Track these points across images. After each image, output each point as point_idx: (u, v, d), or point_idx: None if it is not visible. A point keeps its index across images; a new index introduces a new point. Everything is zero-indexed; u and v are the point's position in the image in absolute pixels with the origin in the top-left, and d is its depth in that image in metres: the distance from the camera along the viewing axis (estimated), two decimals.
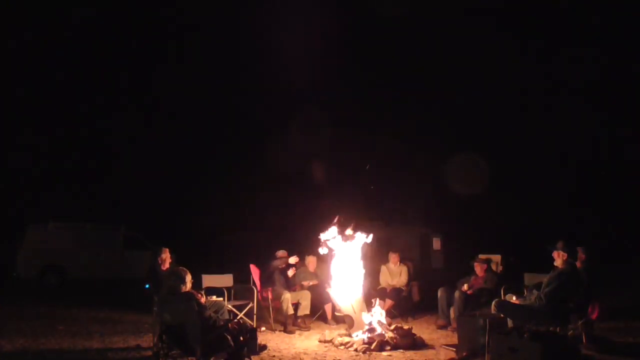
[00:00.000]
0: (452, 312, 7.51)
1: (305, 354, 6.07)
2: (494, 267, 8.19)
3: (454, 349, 6.01)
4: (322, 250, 7.34)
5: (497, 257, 8.50)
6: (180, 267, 5.33)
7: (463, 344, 5.85)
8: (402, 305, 8.55)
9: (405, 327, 6.70)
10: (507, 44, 22.14)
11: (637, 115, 21.73)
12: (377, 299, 7.19)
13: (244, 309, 7.41)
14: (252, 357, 5.22)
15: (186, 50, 25.34)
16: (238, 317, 6.95)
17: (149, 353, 5.93)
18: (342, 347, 6.34)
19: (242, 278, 8.40)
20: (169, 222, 19.71)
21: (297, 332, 7.45)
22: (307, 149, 20.55)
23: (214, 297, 6.70)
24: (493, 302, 5.82)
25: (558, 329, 5.46)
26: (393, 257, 8.89)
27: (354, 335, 6.58)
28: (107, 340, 6.68)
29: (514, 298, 6.12)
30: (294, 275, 8.27)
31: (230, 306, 7.06)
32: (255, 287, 7.77)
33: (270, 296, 7.70)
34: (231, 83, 26.79)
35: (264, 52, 26.46)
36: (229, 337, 4.86)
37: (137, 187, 21.67)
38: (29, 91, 23.84)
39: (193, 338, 4.80)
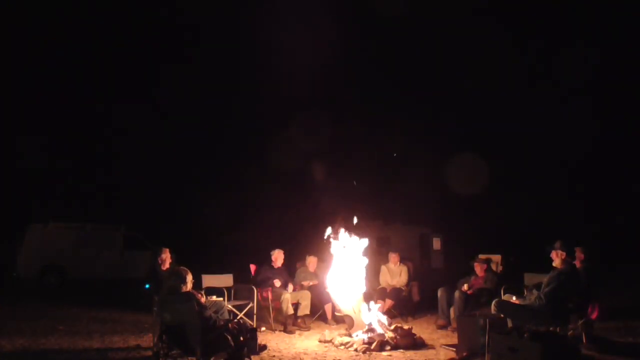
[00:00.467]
0: (452, 312, 7.52)
1: (305, 354, 6.07)
2: (494, 267, 8.19)
3: (454, 349, 6.01)
4: (333, 248, 7.27)
5: (497, 257, 8.51)
6: (182, 267, 5.32)
7: (463, 344, 5.85)
8: (402, 305, 8.56)
9: (405, 327, 6.70)
10: (509, 42, 22.16)
11: (637, 115, 21.75)
12: (375, 299, 7.21)
13: (244, 309, 7.41)
14: (252, 357, 5.22)
15: (186, 50, 25.35)
16: (238, 317, 6.95)
17: (149, 353, 5.93)
18: (342, 347, 6.34)
19: (242, 278, 8.40)
20: (169, 222, 19.71)
21: (297, 332, 7.45)
22: (307, 148, 20.55)
23: (214, 297, 6.69)
24: (493, 302, 5.82)
25: (558, 329, 5.46)
26: (393, 257, 8.90)
27: (354, 335, 6.58)
28: (107, 340, 6.68)
29: (514, 298, 6.12)
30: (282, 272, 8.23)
31: (230, 306, 7.06)
32: (255, 286, 7.77)
33: (270, 296, 7.70)
34: (231, 83, 26.82)
35: (264, 51, 26.47)
36: (229, 337, 4.86)
37: (137, 187, 21.69)
38: (29, 91, 23.86)
39: (193, 338, 4.80)
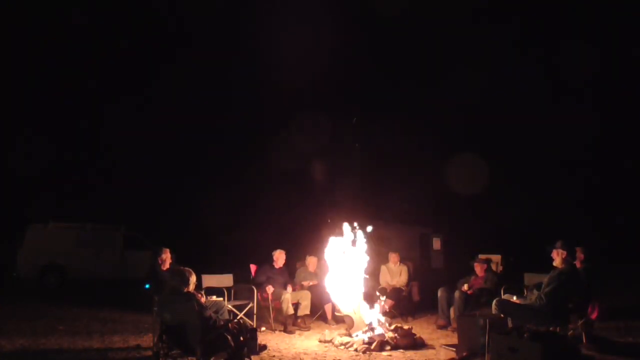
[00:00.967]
0: (452, 312, 7.52)
1: (305, 354, 6.07)
2: (494, 267, 8.20)
3: (454, 349, 6.01)
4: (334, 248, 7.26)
5: (497, 257, 8.52)
6: (186, 268, 5.29)
7: (463, 344, 5.85)
8: (402, 305, 8.56)
9: (405, 327, 6.70)
10: (509, 41, 22.16)
11: (638, 115, 21.75)
12: (380, 298, 7.21)
13: (244, 309, 7.41)
14: (252, 357, 5.22)
15: (186, 50, 25.34)
16: (238, 317, 6.95)
17: (149, 353, 5.93)
18: (342, 347, 6.34)
19: (242, 278, 8.40)
20: (169, 222, 19.70)
21: (297, 332, 7.45)
22: (307, 148, 20.55)
23: (214, 297, 6.70)
24: (493, 302, 5.82)
25: (558, 329, 5.46)
26: (393, 257, 8.90)
27: (354, 335, 6.58)
28: (107, 340, 6.68)
29: (514, 298, 6.12)
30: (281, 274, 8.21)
31: (230, 306, 7.06)
32: (256, 287, 7.76)
33: (270, 296, 7.70)
34: (231, 83, 26.82)
35: (264, 51, 26.45)
36: (229, 337, 4.86)
37: (137, 187, 21.68)
38: (29, 91, 23.87)
39: (193, 338, 4.80)
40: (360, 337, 6.42)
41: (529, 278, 7.14)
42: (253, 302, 7.52)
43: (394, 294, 8.40)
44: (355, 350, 6.14)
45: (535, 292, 5.74)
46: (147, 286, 7.25)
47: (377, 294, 7.73)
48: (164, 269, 6.82)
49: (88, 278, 13.32)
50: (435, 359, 5.87)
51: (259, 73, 25.29)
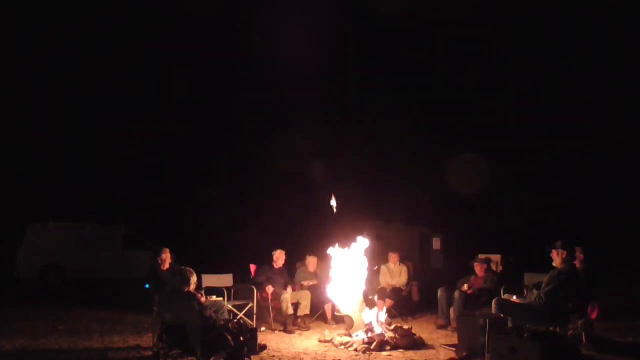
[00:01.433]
0: (452, 312, 7.52)
1: (305, 354, 6.07)
2: (494, 267, 8.19)
3: (454, 349, 6.01)
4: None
5: (497, 257, 8.52)
6: (187, 268, 5.29)
7: (463, 344, 5.85)
8: (402, 305, 8.55)
9: (405, 327, 6.70)
10: (508, 42, 22.17)
11: (637, 115, 21.74)
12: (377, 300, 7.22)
13: (244, 309, 7.41)
14: (252, 357, 5.22)
15: (185, 50, 25.36)
16: (238, 317, 6.94)
17: (149, 353, 5.93)
18: (342, 347, 6.34)
19: (242, 278, 8.40)
20: (169, 222, 19.70)
21: (297, 332, 7.45)
22: (307, 149, 20.56)
23: (214, 297, 6.70)
24: (494, 301, 5.82)
25: (558, 329, 5.46)
26: (393, 257, 8.90)
27: (354, 335, 6.58)
28: (107, 340, 6.68)
29: (514, 298, 6.12)
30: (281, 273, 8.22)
31: (230, 306, 7.06)
32: (256, 287, 7.76)
33: (270, 296, 7.70)
34: (231, 83, 26.83)
35: (263, 51, 26.46)
36: (229, 337, 4.86)
37: (138, 187, 21.67)
38: (29, 91, 23.85)
39: (193, 338, 4.79)
40: (360, 337, 6.41)
41: (529, 278, 7.14)
42: (253, 302, 7.51)
43: (394, 294, 8.39)
44: (355, 350, 6.14)
45: (535, 292, 5.74)
46: (147, 286, 7.24)
47: (374, 298, 7.74)
48: (164, 269, 6.82)
49: (88, 278, 13.31)
50: (435, 359, 5.88)
51: (258, 74, 25.31)
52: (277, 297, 7.66)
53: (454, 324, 7.25)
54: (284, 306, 7.54)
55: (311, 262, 8.65)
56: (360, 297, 7.04)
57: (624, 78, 22.21)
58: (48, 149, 22.64)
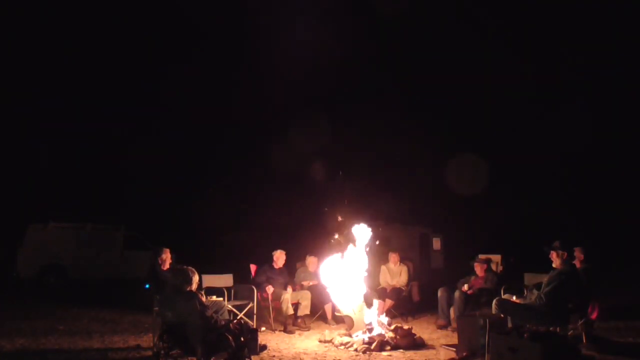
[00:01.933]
0: (452, 312, 7.52)
1: (305, 354, 6.07)
2: (494, 267, 8.19)
3: (454, 349, 6.00)
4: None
5: (497, 257, 8.50)
6: (189, 267, 5.28)
7: (463, 344, 5.84)
8: (402, 305, 8.55)
9: (405, 327, 6.69)
10: (508, 42, 22.16)
11: (636, 115, 21.74)
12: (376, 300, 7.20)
13: (244, 309, 7.41)
14: (252, 357, 5.22)
15: (186, 50, 25.36)
16: (238, 317, 6.94)
17: (149, 353, 5.93)
18: (342, 347, 6.34)
19: (242, 278, 8.39)
20: (169, 222, 19.70)
21: (297, 332, 7.45)
22: (307, 149, 20.56)
23: (214, 297, 6.70)
24: (494, 301, 5.82)
25: (558, 329, 5.46)
26: (393, 257, 8.90)
27: (354, 335, 6.58)
28: (107, 340, 6.68)
29: (514, 298, 6.11)
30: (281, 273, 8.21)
31: (230, 306, 7.06)
32: (256, 287, 7.76)
33: (270, 296, 7.70)
34: (231, 83, 26.81)
35: (263, 52, 26.47)
36: (230, 337, 4.86)
37: (138, 187, 21.68)
38: (30, 91, 23.85)
39: (194, 337, 4.79)
40: (360, 337, 6.41)
41: (529, 278, 7.14)
42: (253, 302, 7.51)
43: (394, 294, 8.39)
44: (355, 350, 6.14)
45: (535, 292, 5.74)
46: (147, 286, 7.25)
47: (372, 298, 7.73)
48: (164, 269, 6.82)
49: (88, 278, 13.31)
50: (435, 359, 5.87)
51: (259, 74, 25.31)
52: (277, 297, 7.66)
53: (454, 324, 7.25)
54: (284, 306, 7.54)
55: (311, 262, 8.65)
56: (360, 297, 7.04)
57: (623, 77, 22.22)
58: (48, 149, 22.65)
